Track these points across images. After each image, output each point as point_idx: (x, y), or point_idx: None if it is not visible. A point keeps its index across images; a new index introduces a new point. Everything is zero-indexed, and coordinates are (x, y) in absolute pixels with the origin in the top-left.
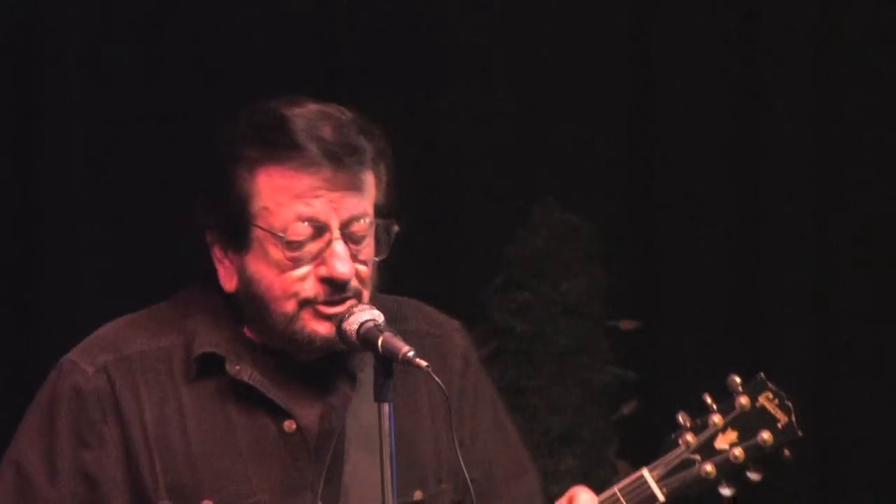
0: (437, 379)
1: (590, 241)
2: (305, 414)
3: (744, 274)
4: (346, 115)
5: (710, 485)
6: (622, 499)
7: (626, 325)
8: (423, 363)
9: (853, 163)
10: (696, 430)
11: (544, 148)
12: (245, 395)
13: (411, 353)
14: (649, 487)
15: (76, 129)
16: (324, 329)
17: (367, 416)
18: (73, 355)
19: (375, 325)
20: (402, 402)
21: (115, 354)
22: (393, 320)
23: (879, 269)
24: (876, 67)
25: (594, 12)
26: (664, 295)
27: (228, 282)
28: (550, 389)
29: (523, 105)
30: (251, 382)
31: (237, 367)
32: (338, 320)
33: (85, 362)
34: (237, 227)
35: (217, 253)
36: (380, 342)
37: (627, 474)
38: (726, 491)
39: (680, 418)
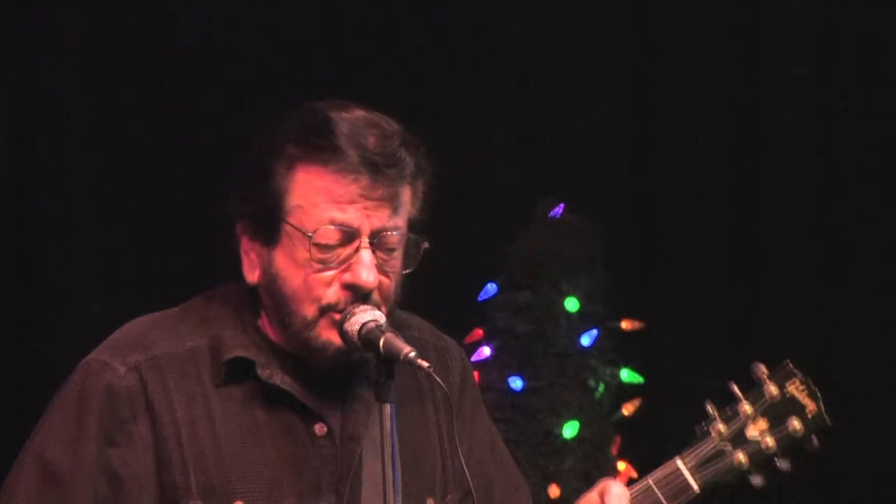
0: (438, 380)
1: (591, 241)
2: (332, 418)
3: (744, 274)
4: (392, 126)
5: (743, 474)
6: (657, 490)
7: (627, 325)
8: (425, 364)
9: (853, 164)
10: (726, 420)
11: (546, 148)
12: (273, 399)
13: (413, 354)
14: (684, 478)
15: (77, 130)
16: (338, 338)
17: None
18: (100, 355)
19: (377, 326)
20: (411, 412)
21: (145, 354)
22: (398, 326)
23: (880, 270)
24: (876, 66)
25: (597, 12)
26: (665, 295)
27: (251, 273)
28: (551, 390)
29: (525, 105)
30: (284, 387)
31: (268, 371)
32: (339, 321)
33: (116, 361)
34: (268, 221)
35: (245, 244)
36: (381, 343)
37: (628, 475)
38: (757, 480)
39: (709, 408)
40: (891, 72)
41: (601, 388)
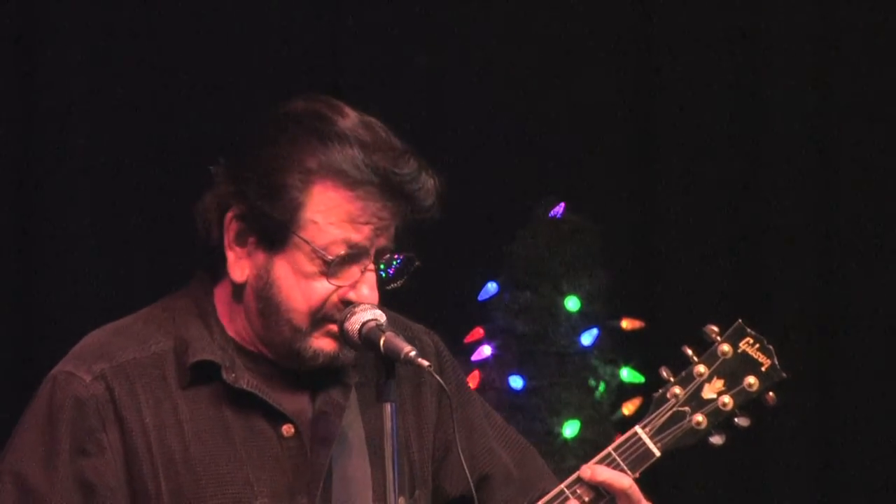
0: (438, 378)
1: (591, 241)
2: (300, 419)
3: (745, 274)
4: (396, 141)
5: (703, 435)
6: (618, 458)
7: (627, 325)
8: (425, 363)
9: (854, 165)
10: (682, 383)
11: (546, 148)
12: (240, 401)
13: (413, 353)
14: (644, 444)
15: (76, 131)
16: (329, 346)
17: (357, 422)
18: (66, 367)
19: (377, 325)
20: (378, 409)
21: (111, 362)
22: None
23: (881, 276)
24: (875, 65)
25: (597, 13)
26: (665, 295)
27: (239, 271)
28: (551, 390)
29: (525, 105)
30: (250, 389)
31: (233, 375)
32: (340, 320)
33: (81, 371)
34: (276, 230)
35: (235, 238)
36: (382, 342)
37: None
38: (717, 440)
39: (664, 373)
40: (891, 72)
41: (601, 387)
